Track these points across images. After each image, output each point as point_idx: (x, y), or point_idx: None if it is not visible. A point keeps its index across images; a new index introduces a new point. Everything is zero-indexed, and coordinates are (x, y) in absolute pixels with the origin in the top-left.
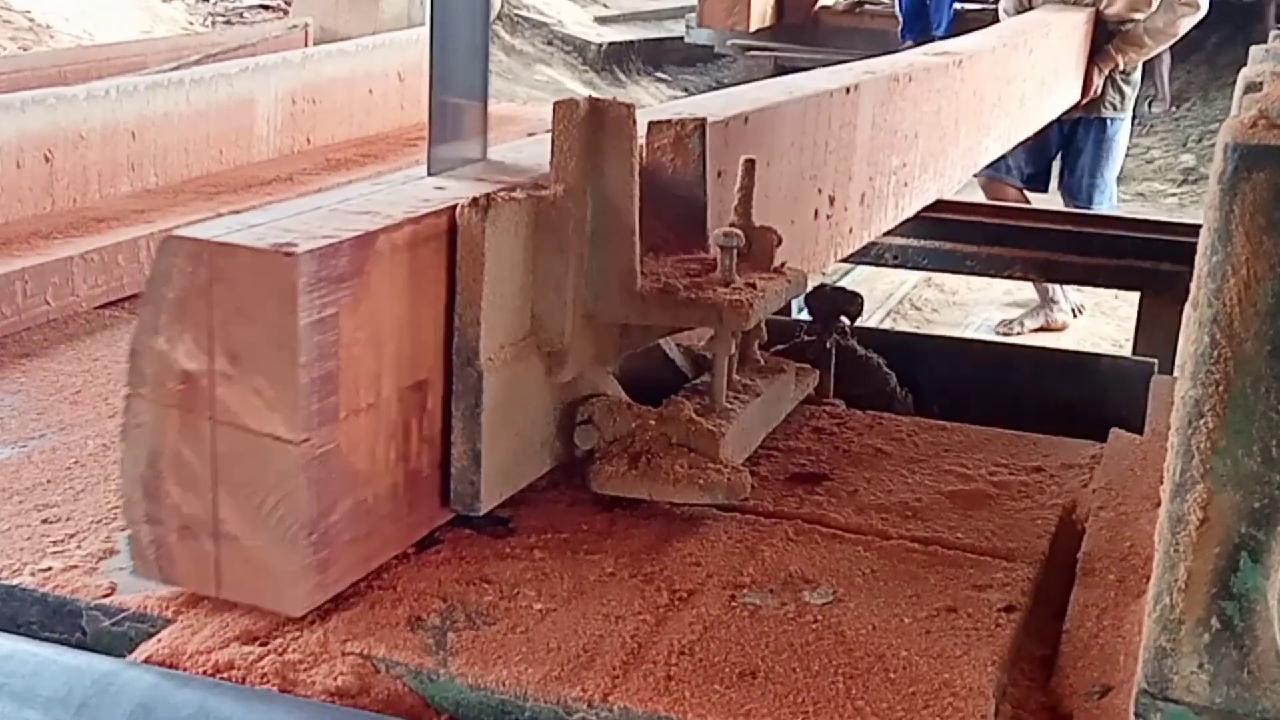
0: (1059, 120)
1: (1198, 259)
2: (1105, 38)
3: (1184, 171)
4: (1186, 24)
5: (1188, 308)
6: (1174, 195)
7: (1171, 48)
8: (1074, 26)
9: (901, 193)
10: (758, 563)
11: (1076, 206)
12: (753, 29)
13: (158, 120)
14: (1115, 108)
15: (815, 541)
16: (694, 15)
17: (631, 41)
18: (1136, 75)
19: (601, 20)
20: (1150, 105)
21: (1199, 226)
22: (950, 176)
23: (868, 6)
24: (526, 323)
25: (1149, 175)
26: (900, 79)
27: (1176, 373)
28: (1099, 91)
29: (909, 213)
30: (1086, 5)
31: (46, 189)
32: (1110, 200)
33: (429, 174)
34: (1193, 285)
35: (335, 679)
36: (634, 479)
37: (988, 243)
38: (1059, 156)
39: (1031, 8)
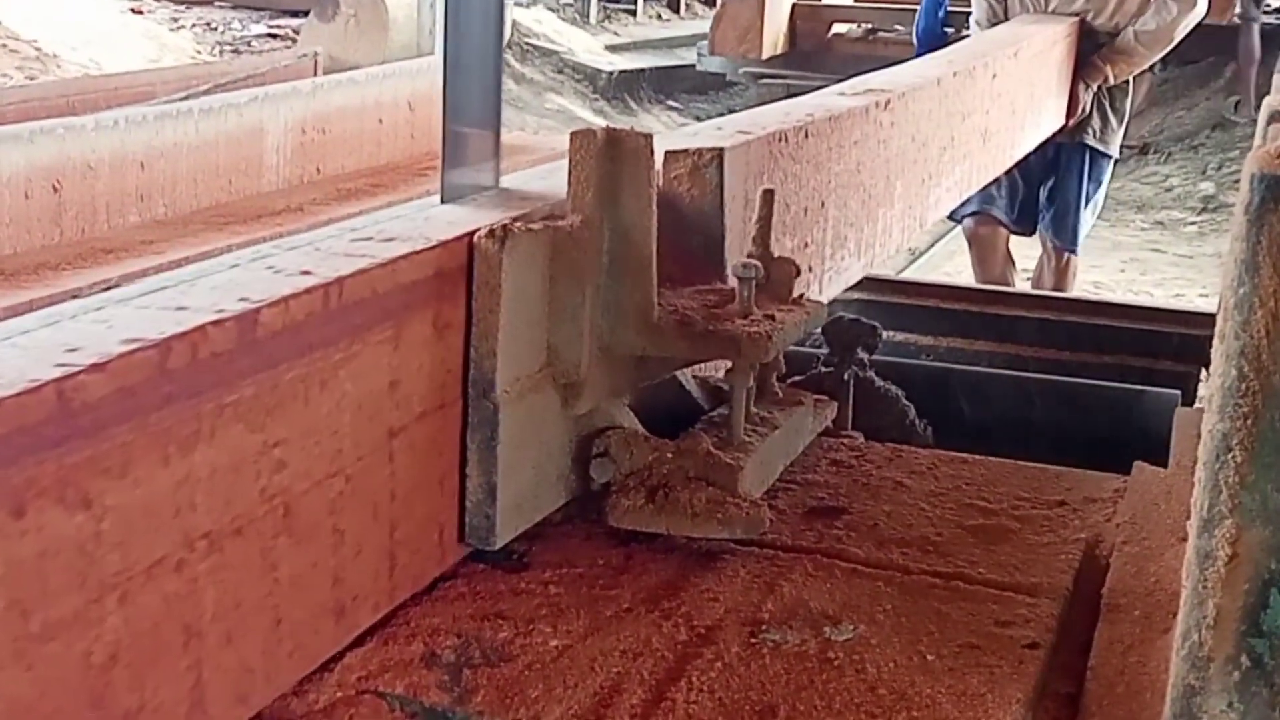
0: (1041, 147)
1: (1223, 291)
2: (1094, 49)
3: (1204, 200)
4: (1184, 26)
5: (1215, 340)
6: (1194, 224)
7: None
8: (1053, 40)
9: (803, 279)
10: (777, 598)
11: (1061, 248)
12: (765, 56)
13: (166, 150)
14: (1096, 134)
15: (835, 577)
16: (706, 43)
17: (643, 69)
18: (1125, 105)
19: (612, 48)
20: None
21: (1206, 316)
22: (884, 245)
23: (881, 34)
24: (542, 354)
25: (1168, 203)
26: (788, 137)
27: (1200, 405)
28: (1087, 111)
29: (823, 301)
30: (1071, 14)
31: (55, 220)
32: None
33: (442, 201)
34: (1219, 318)
35: (350, 718)
36: (651, 513)
37: (946, 333)
38: (1044, 189)
39: (1006, 19)
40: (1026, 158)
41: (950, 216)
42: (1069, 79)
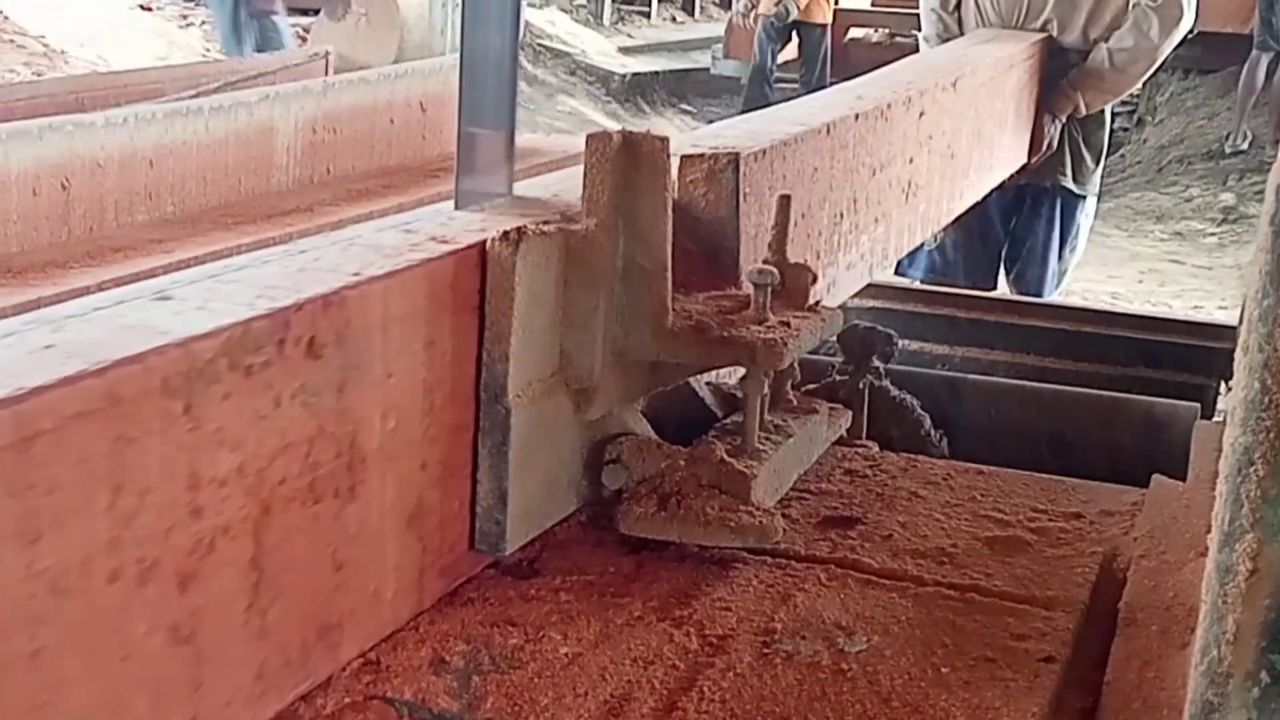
0: (1002, 189)
1: (1247, 303)
2: (1063, 71)
3: (1224, 210)
4: (1169, 42)
5: (1238, 352)
6: (1213, 235)
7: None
8: (1008, 63)
9: None
10: (790, 609)
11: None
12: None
13: (176, 148)
14: (1068, 174)
15: (849, 587)
16: (720, 46)
17: (656, 72)
18: (1101, 138)
19: (625, 50)
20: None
21: (1224, 328)
22: None
23: (898, 39)
24: (555, 359)
25: (1188, 214)
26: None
27: (1219, 418)
28: (1053, 147)
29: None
30: (1036, 30)
31: (63, 217)
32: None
33: (456, 206)
34: (1242, 330)
35: None
36: (663, 520)
37: (962, 342)
38: (1005, 236)
39: (961, 34)
40: (987, 199)
41: (897, 271)
42: (1031, 109)
